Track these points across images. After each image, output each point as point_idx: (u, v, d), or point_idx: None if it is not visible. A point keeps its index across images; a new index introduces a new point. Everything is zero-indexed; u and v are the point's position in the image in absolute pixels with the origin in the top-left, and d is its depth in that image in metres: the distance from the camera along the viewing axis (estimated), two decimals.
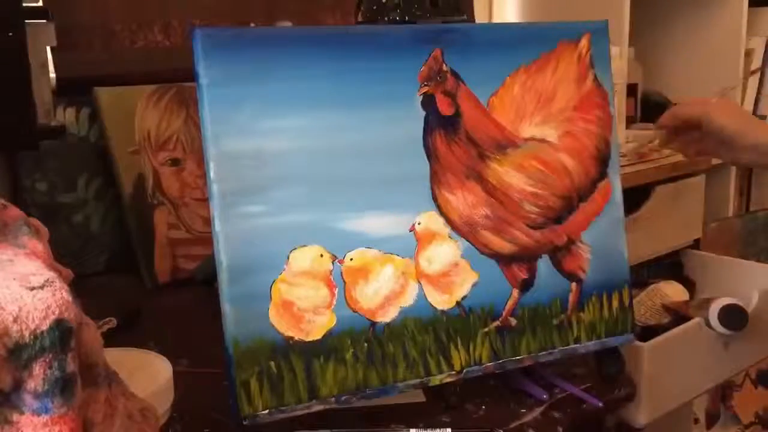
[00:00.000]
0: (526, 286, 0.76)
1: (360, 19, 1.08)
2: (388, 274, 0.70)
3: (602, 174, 0.81)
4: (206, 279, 1.03)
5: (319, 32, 0.72)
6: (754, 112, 1.71)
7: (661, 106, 1.63)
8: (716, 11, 1.65)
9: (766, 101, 1.72)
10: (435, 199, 0.73)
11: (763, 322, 1.13)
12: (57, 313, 0.40)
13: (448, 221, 0.73)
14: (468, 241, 0.74)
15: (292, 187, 0.67)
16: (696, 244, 1.44)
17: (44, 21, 0.91)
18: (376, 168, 0.70)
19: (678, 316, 1.16)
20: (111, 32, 1.17)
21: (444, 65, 0.73)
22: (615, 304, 0.80)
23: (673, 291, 1.24)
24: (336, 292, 0.68)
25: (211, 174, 0.65)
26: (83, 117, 1.10)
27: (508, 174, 0.75)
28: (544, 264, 0.77)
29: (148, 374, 0.71)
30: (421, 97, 0.72)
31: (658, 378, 0.97)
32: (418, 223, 0.72)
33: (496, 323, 0.74)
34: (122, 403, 0.47)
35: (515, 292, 0.75)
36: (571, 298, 0.78)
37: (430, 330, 0.71)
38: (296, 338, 0.66)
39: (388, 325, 0.70)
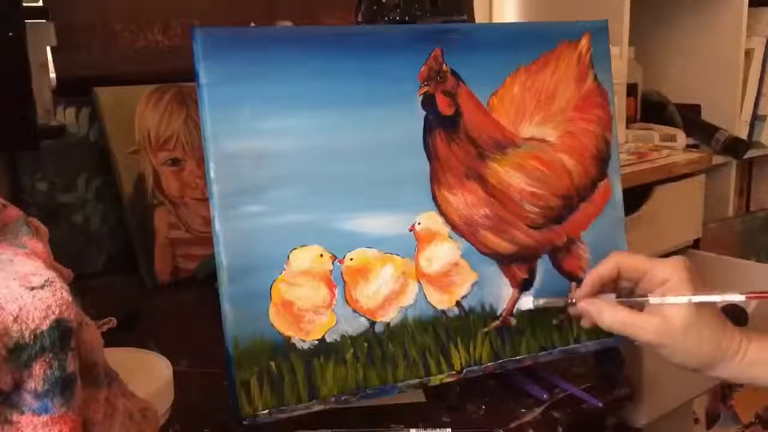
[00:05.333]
0: (525, 286, 0.76)
1: (360, 18, 1.08)
2: (388, 274, 0.70)
3: (602, 174, 0.81)
4: (206, 279, 1.03)
5: (319, 32, 0.72)
6: (754, 112, 1.71)
7: (661, 106, 1.63)
8: (716, 11, 1.64)
9: (766, 101, 1.72)
10: (435, 198, 0.73)
11: (762, 323, 1.13)
12: (57, 312, 0.40)
13: (448, 221, 0.73)
14: (468, 241, 0.74)
15: (292, 187, 0.67)
16: (696, 244, 1.44)
17: (44, 21, 0.91)
18: (376, 168, 0.70)
19: None
20: (111, 32, 1.17)
21: (444, 65, 0.73)
22: None
23: None
24: (336, 291, 0.68)
25: (211, 174, 0.65)
26: (83, 117, 1.10)
27: (508, 174, 0.75)
28: (543, 264, 0.77)
29: (148, 374, 0.71)
30: (421, 97, 0.72)
31: (658, 378, 0.97)
32: (418, 223, 0.72)
33: (496, 323, 0.74)
34: (122, 403, 0.47)
35: (515, 292, 0.75)
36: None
37: (430, 330, 0.71)
38: (296, 338, 0.66)
39: (388, 324, 0.70)
